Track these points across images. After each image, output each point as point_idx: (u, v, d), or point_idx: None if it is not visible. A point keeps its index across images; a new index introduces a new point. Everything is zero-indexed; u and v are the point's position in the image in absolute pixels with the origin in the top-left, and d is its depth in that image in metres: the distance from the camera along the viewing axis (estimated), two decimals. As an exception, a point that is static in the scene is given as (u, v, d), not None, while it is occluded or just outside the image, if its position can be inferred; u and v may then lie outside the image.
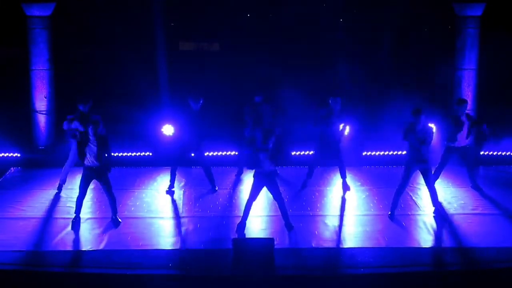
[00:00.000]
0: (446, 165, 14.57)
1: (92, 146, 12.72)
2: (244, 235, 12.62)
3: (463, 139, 14.31)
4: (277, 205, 12.83)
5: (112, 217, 13.12)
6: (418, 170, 13.27)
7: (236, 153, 16.34)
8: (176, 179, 14.85)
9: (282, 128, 14.19)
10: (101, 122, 12.82)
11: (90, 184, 13.10)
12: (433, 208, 13.42)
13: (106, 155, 12.82)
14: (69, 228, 12.86)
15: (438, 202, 13.38)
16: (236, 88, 18.27)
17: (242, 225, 12.78)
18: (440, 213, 13.34)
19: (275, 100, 15.04)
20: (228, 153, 16.88)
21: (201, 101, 14.42)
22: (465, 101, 14.46)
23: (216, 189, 14.87)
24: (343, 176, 14.71)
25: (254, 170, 12.67)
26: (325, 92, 15.05)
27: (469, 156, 14.94)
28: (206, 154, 15.12)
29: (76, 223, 12.91)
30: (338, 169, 14.71)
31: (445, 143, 14.41)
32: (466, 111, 14.43)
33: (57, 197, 14.47)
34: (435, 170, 14.21)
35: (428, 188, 13.35)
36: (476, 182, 14.86)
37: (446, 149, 14.45)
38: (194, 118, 14.41)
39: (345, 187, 14.75)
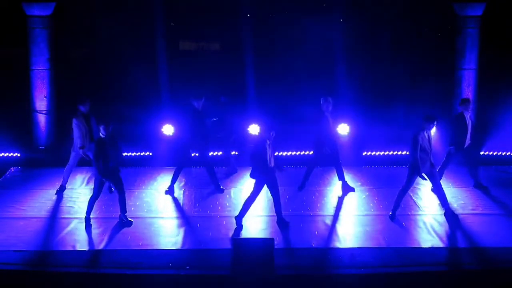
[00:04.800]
0: (448, 166, 14.61)
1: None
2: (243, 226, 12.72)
3: (468, 140, 14.34)
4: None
5: (120, 216, 13.10)
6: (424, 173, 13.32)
7: (236, 153, 16.33)
8: (177, 179, 14.84)
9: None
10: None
11: (89, 184, 13.11)
12: (440, 208, 13.45)
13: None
14: (70, 228, 12.88)
15: (447, 203, 13.32)
16: (236, 87, 18.27)
17: (240, 222, 12.90)
18: (450, 213, 13.30)
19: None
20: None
21: (203, 100, 14.42)
22: (469, 100, 14.49)
23: (221, 187, 14.85)
24: (341, 178, 14.61)
25: (251, 169, 12.76)
26: (324, 91, 15.04)
27: (472, 154, 14.94)
28: (210, 154, 15.08)
29: (87, 222, 12.98)
30: (335, 170, 14.67)
31: (451, 147, 14.38)
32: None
33: (57, 197, 14.47)
34: (438, 169, 14.21)
35: (436, 189, 13.34)
36: (479, 181, 14.85)
37: (453, 151, 14.43)
38: (197, 117, 14.39)
39: (349, 189, 14.67)
